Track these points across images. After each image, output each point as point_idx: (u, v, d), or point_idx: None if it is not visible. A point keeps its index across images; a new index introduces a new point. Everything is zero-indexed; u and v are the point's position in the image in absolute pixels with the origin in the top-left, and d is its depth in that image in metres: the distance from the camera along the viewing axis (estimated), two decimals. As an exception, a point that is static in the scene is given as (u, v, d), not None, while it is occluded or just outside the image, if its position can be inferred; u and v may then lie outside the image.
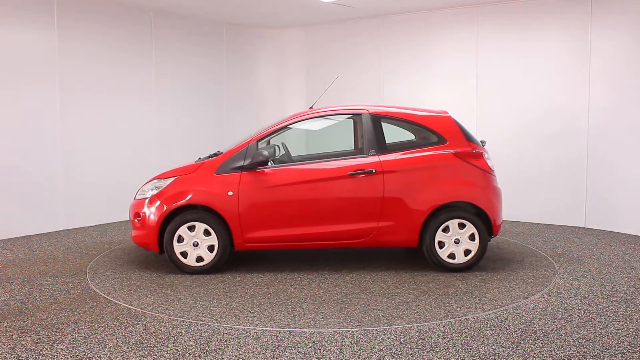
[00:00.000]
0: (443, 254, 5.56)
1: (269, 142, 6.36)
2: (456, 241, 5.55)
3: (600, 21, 7.53)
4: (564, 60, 7.86)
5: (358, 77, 9.67)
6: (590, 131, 7.70)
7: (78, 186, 7.98)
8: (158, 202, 5.64)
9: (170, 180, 5.74)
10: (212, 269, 5.65)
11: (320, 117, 6.04)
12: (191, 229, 5.61)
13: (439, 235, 5.54)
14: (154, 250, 5.72)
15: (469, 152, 5.63)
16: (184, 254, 5.64)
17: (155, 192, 5.73)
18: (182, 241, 5.62)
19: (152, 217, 5.64)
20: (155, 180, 5.89)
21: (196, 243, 5.62)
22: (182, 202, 5.59)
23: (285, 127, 5.88)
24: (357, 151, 6.21)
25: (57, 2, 7.67)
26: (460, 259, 5.57)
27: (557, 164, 7.97)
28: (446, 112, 5.90)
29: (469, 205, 5.62)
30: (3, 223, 7.25)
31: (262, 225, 5.60)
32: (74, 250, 6.65)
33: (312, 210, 5.58)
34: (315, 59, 10.31)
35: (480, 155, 5.66)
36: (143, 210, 5.72)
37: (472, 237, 5.55)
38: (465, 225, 5.53)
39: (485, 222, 5.61)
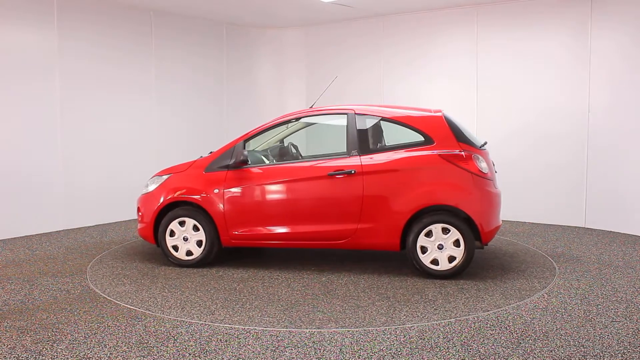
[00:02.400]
0: (425, 259, 5.30)
1: (282, 142, 6.42)
2: (440, 247, 5.27)
3: (600, 21, 7.53)
4: (564, 60, 7.85)
5: (358, 77, 9.67)
6: (590, 131, 7.70)
7: (78, 186, 7.98)
8: (153, 198, 5.94)
9: (165, 177, 6.00)
10: (200, 263, 5.82)
11: (309, 117, 6.03)
12: (182, 224, 5.83)
13: (422, 240, 5.29)
14: (152, 243, 6.03)
15: (457, 153, 5.31)
16: (175, 248, 5.86)
17: (152, 188, 6.02)
18: (174, 235, 5.84)
19: (148, 211, 5.94)
20: (155, 177, 6.14)
21: (186, 238, 5.82)
22: (171, 198, 5.83)
23: (273, 126, 5.93)
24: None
25: (57, 2, 7.67)
26: (444, 265, 5.28)
27: (557, 163, 7.97)
28: (440, 111, 5.61)
29: (456, 210, 5.28)
30: (3, 223, 7.25)
31: (245, 222, 5.67)
32: (74, 250, 6.66)
33: (293, 210, 5.59)
34: (315, 59, 10.31)
35: (469, 158, 5.29)
36: (142, 205, 6.05)
37: (457, 243, 5.25)
38: (449, 231, 5.25)
39: (473, 228, 5.30)
